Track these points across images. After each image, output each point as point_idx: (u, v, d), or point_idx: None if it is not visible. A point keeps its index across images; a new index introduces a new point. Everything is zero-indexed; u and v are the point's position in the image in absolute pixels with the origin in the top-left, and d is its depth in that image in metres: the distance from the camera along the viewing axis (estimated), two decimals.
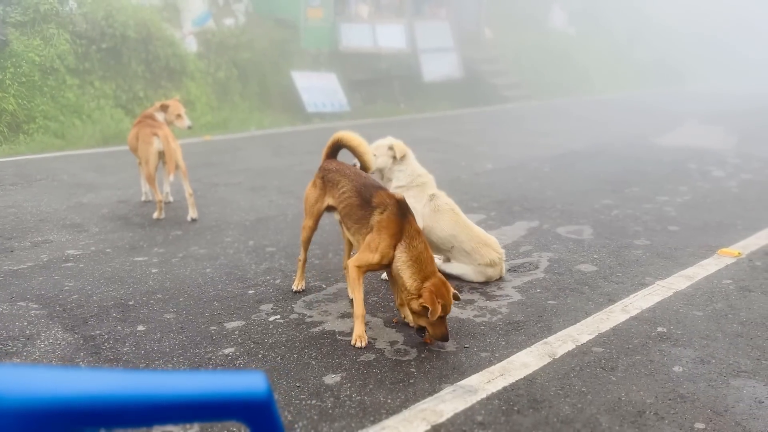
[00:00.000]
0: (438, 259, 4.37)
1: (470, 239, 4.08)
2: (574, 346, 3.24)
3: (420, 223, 4.03)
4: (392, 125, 11.67)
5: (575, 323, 3.54)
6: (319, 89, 12.65)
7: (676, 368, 3.03)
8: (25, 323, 3.38)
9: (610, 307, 3.76)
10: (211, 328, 3.40)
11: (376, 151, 4.05)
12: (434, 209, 4.06)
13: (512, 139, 10.30)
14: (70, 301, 3.68)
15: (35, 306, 3.60)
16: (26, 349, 3.10)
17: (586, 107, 14.92)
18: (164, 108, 5.63)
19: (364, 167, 3.72)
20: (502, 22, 17.47)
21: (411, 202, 4.00)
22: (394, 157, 4.13)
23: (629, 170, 7.85)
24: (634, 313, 3.65)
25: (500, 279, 4.16)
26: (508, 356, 3.15)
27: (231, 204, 5.97)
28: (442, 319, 3.09)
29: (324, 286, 4.04)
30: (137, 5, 11.18)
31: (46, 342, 3.18)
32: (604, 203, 6.21)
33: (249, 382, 1.07)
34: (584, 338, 3.33)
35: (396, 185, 4.09)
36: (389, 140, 4.16)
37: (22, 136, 8.99)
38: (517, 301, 3.85)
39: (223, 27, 12.43)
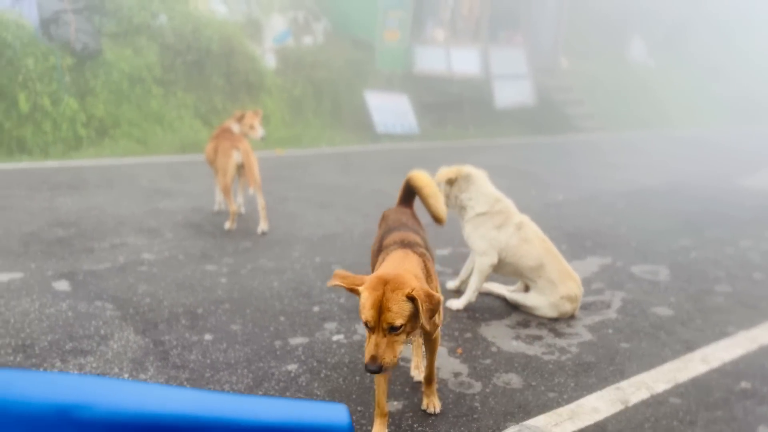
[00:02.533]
0: (511, 287, 4.27)
1: (558, 270, 3.95)
2: (648, 395, 3.08)
3: (494, 255, 3.94)
4: (461, 150, 11.61)
5: (650, 370, 3.36)
6: (390, 110, 12.74)
7: (761, 428, 2.82)
8: (101, 323, 3.49)
9: (689, 355, 3.56)
10: (276, 342, 3.41)
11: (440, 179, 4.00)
12: (523, 240, 3.95)
13: (584, 170, 10.04)
14: (142, 304, 3.79)
15: (110, 306, 3.72)
16: (100, 348, 3.19)
17: (663, 142, 14.42)
18: (239, 119, 5.78)
19: (434, 216, 3.13)
20: (580, 51, 17.18)
21: (493, 234, 3.93)
22: (449, 184, 4.03)
23: (709, 211, 7.49)
24: (715, 364, 3.44)
25: (571, 317, 4.02)
26: (577, 398, 3.02)
27: (300, 219, 6.04)
28: (368, 328, 2.19)
29: None
30: (222, 21, 11.61)
31: (119, 343, 3.27)
32: (681, 244, 5.94)
33: (332, 414, 1.04)
34: (660, 387, 3.16)
35: (475, 213, 4.00)
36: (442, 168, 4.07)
37: (108, 141, 9.43)
38: (588, 341, 3.70)
39: (301, 45, 12.74)
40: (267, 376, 3.04)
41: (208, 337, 3.42)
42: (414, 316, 2.17)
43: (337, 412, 1.04)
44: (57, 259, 4.48)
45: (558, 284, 3.91)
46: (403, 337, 2.18)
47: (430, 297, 2.18)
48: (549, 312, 3.94)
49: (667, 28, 19.79)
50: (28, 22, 9.35)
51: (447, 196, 4.02)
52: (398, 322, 2.14)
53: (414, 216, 3.09)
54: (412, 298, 2.14)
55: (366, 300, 2.17)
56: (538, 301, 3.97)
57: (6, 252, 4.53)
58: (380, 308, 2.13)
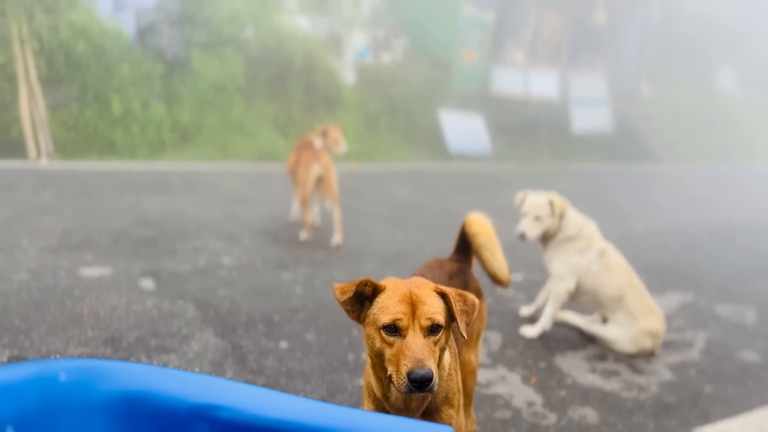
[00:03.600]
0: (587, 318, 4.15)
1: (640, 303, 3.81)
2: None
3: (571, 281, 3.85)
4: (535, 173, 11.45)
5: (736, 417, 3.19)
6: (463, 129, 12.73)
7: None
8: (183, 323, 3.61)
9: None
10: (349, 355, 3.44)
11: (538, 212, 3.81)
12: (605, 267, 3.84)
13: (664, 201, 9.70)
14: (222, 307, 3.90)
15: (192, 307, 3.84)
16: (182, 347, 3.31)
17: (749, 176, 13.78)
18: (324, 133, 5.91)
19: (493, 276, 2.43)
20: (663, 78, 16.67)
21: (575, 258, 3.84)
22: (561, 216, 3.89)
23: None
24: None
25: (650, 354, 3.87)
26: None
27: (372, 233, 6.09)
28: (395, 333, 1.66)
29: None
30: (305, 36, 11.93)
31: (200, 344, 3.37)
32: None
33: None
34: None
35: (563, 236, 3.89)
36: (546, 196, 3.88)
37: (190, 146, 9.82)
38: (669, 380, 3.55)
39: (380, 62, 12.92)
40: (340, 389, 3.06)
41: (283, 344, 3.48)
42: (448, 324, 1.71)
43: None
44: (143, 257, 4.68)
45: (639, 318, 3.77)
46: (438, 349, 1.68)
47: (463, 296, 1.74)
48: (628, 346, 3.80)
49: (759, 59, 18.95)
50: (126, 30, 9.89)
51: (547, 228, 3.88)
52: (438, 318, 1.66)
53: (462, 273, 2.35)
54: (442, 294, 1.72)
55: (390, 297, 1.68)
56: (616, 333, 3.84)
57: (97, 247, 4.77)
58: (412, 303, 1.66)
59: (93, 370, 0.80)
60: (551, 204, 3.83)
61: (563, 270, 3.86)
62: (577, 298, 3.97)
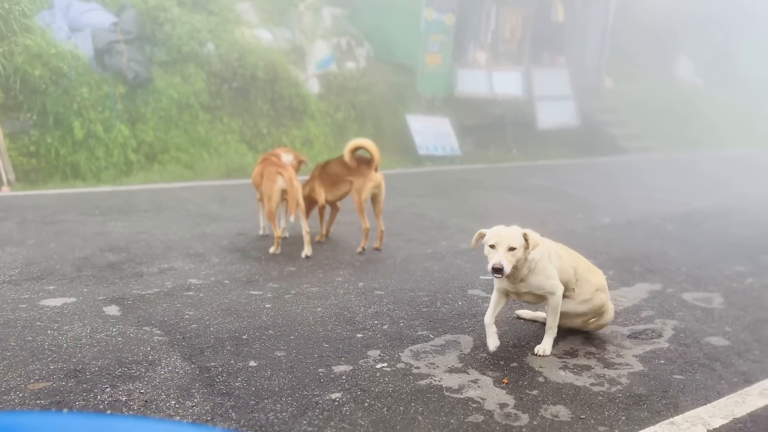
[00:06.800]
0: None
1: (586, 265, 4.02)
2: (704, 431, 2.95)
3: (561, 286, 3.82)
4: (504, 171, 11.52)
5: (706, 404, 3.23)
6: (431, 133, 12.78)
7: None
8: (149, 348, 3.55)
9: (746, 389, 3.41)
10: (320, 370, 3.41)
11: (514, 243, 3.49)
12: (558, 258, 3.86)
13: (631, 192, 9.83)
14: (189, 330, 3.84)
15: (158, 332, 3.78)
16: (148, 374, 3.25)
17: (713, 163, 14.02)
18: (297, 158, 5.92)
19: None
20: (624, 71, 16.92)
21: (552, 268, 3.78)
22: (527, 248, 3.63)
23: (764, 235, 7.22)
24: None
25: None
26: None
27: (342, 243, 6.07)
28: None
29: (432, 336, 3.96)
30: (267, 48, 11.89)
31: (166, 369, 3.31)
32: (736, 270, 5.73)
33: None
34: (716, 422, 3.03)
35: (534, 263, 3.72)
36: (518, 229, 3.60)
37: (157, 165, 9.71)
38: (639, 371, 3.58)
39: (344, 70, 12.91)
40: (311, 405, 3.03)
41: (252, 363, 3.44)
42: None
43: None
44: (108, 283, 4.60)
45: (588, 276, 3.93)
46: None
47: None
48: (583, 307, 3.86)
49: (716, 46, 19.35)
50: (83, 52, 9.76)
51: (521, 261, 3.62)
52: None
53: None
54: None
55: None
56: (571, 304, 3.87)
57: (60, 276, 4.68)
58: None
59: None
60: (525, 235, 3.57)
61: (556, 281, 3.75)
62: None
